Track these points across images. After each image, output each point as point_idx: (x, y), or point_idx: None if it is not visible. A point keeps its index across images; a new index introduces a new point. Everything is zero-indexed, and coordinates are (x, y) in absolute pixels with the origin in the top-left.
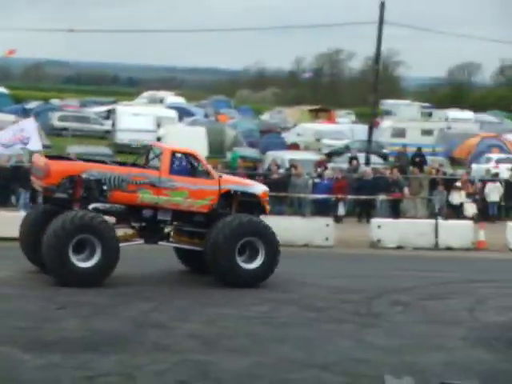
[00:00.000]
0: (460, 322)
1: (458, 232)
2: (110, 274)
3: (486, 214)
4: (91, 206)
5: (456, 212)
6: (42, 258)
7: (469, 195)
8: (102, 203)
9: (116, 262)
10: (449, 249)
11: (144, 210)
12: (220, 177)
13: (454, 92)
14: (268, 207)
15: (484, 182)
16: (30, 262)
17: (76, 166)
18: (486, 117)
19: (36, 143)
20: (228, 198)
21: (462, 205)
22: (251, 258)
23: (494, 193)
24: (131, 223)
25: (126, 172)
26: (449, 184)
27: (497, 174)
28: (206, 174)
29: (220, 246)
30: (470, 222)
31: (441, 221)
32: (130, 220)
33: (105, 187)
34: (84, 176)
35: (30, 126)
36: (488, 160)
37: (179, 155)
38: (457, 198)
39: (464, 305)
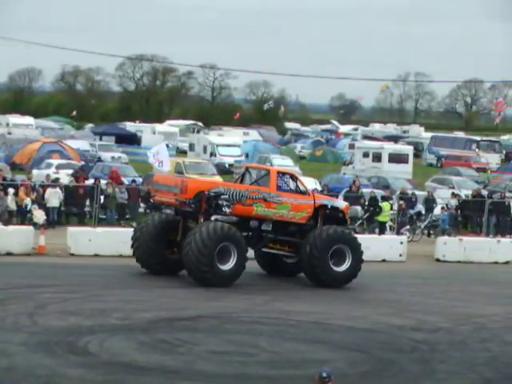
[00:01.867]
0: (20, 328)
1: (18, 237)
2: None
3: (48, 219)
4: (213, 218)
5: None
6: (184, 261)
7: None
8: (221, 215)
9: (245, 265)
10: (9, 254)
11: (251, 221)
12: (313, 193)
13: (14, 97)
14: (349, 220)
15: (44, 187)
16: (142, 264)
17: (206, 183)
18: (47, 122)
19: (167, 165)
20: (315, 212)
21: None
22: (340, 262)
23: (54, 198)
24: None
25: (245, 189)
26: None
27: (57, 180)
28: (303, 191)
29: (315, 252)
30: (30, 228)
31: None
32: (240, 230)
33: (228, 202)
34: (212, 192)
35: (162, 149)
36: (49, 165)
37: (281, 175)
38: None
39: (24, 310)
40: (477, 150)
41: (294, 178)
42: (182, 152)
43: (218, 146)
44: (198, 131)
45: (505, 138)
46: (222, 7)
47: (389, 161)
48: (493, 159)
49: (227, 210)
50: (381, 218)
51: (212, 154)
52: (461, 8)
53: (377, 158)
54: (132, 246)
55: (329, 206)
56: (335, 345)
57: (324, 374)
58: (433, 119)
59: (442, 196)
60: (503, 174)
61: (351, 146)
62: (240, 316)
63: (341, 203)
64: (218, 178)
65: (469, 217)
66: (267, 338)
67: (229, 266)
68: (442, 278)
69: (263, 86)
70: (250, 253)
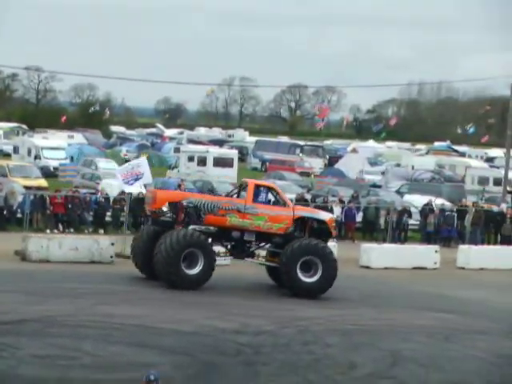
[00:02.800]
0: None
1: None
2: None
3: None
4: (190, 227)
5: None
6: (155, 266)
7: None
8: (199, 225)
9: (212, 270)
10: None
11: (233, 232)
12: (294, 205)
13: None
14: (335, 232)
15: None
16: (140, 270)
17: (176, 194)
18: None
19: (148, 178)
20: (303, 224)
21: None
22: (310, 273)
23: None
24: (223, 242)
25: (217, 200)
26: None
27: None
28: (282, 203)
29: (284, 260)
30: None
31: None
32: (222, 240)
33: (201, 212)
34: (184, 203)
35: (144, 162)
36: None
37: (261, 188)
38: None
39: None
40: (301, 154)
41: (273, 190)
42: (5, 155)
43: (42, 148)
44: (23, 134)
45: (328, 142)
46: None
47: (214, 164)
48: (316, 164)
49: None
50: None
51: (36, 157)
52: (283, 12)
53: (202, 161)
54: (131, 254)
55: (306, 218)
56: (160, 348)
57: (151, 377)
58: (257, 123)
59: None
60: (326, 178)
61: (176, 150)
62: (64, 320)
63: (324, 215)
64: (43, 181)
65: None
66: (91, 342)
67: (195, 270)
68: (264, 280)
69: (88, 88)
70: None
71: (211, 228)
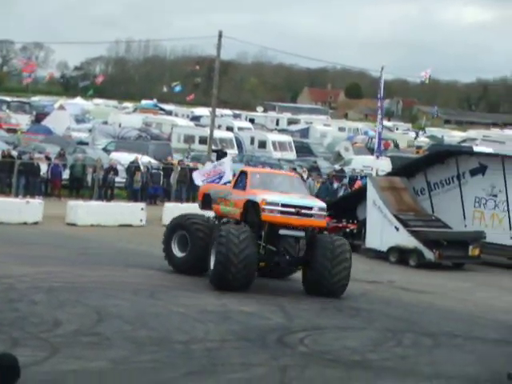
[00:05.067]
0: None
1: None
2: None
3: None
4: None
5: None
6: None
7: None
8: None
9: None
10: None
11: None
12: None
13: None
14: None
15: None
16: None
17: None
18: None
19: (228, 177)
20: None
21: None
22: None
23: None
24: None
25: (222, 188)
26: None
27: None
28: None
29: None
30: None
31: None
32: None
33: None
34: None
35: (228, 161)
36: None
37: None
38: None
39: None
40: (7, 110)
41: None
42: None
43: None
44: None
45: (35, 99)
46: None
47: None
48: (23, 120)
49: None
50: None
51: None
52: None
53: None
54: None
55: (250, 201)
56: None
57: None
58: None
59: None
60: (34, 134)
61: None
62: None
63: (258, 197)
64: None
65: None
66: None
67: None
68: None
69: None
70: None
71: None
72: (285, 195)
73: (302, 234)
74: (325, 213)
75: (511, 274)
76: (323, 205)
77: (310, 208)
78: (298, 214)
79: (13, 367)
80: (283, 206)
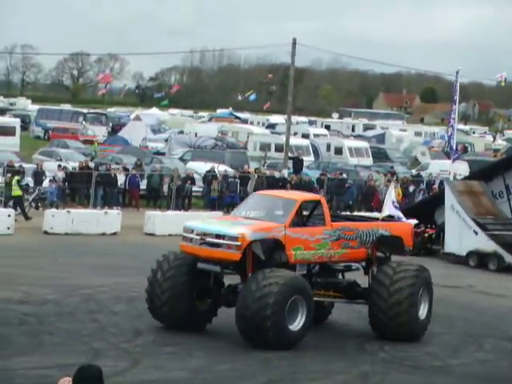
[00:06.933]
0: None
1: None
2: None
3: None
4: None
5: None
6: None
7: None
8: None
9: None
10: None
11: None
12: None
13: None
14: None
15: None
16: None
17: None
18: None
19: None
20: None
21: None
22: None
23: None
24: None
25: None
26: None
27: None
28: None
29: None
30: None
31: None
32: None
33: None
34: None
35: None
36: None
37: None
38: None
39: None
40: (83, 122)
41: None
42: None
43: None
44: None
45: (111, 110)
46: None
47: None
48: (99, 131)
49: None
50: (16, 193)
51: None
52: None
53: None
54: None
55: None
56: None
57: None
58: (40, 91)
59: (50, 168)
60: (110, 146)
61: None
62: None
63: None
64: None
65: (76, 189)
66: None
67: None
68: (50, 250)
69: None
70: None
71: None
72: (223, 219)
73: (216, 268)
74: (238, 243)
75: None
76: (237, 234)
77: (222, 236)
78: (203, 242)
79: (98, 378)
80: (197, 233)
